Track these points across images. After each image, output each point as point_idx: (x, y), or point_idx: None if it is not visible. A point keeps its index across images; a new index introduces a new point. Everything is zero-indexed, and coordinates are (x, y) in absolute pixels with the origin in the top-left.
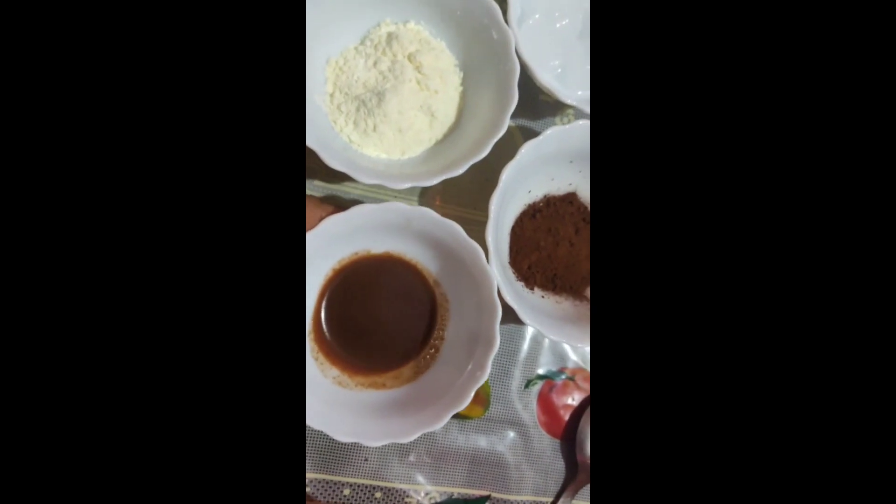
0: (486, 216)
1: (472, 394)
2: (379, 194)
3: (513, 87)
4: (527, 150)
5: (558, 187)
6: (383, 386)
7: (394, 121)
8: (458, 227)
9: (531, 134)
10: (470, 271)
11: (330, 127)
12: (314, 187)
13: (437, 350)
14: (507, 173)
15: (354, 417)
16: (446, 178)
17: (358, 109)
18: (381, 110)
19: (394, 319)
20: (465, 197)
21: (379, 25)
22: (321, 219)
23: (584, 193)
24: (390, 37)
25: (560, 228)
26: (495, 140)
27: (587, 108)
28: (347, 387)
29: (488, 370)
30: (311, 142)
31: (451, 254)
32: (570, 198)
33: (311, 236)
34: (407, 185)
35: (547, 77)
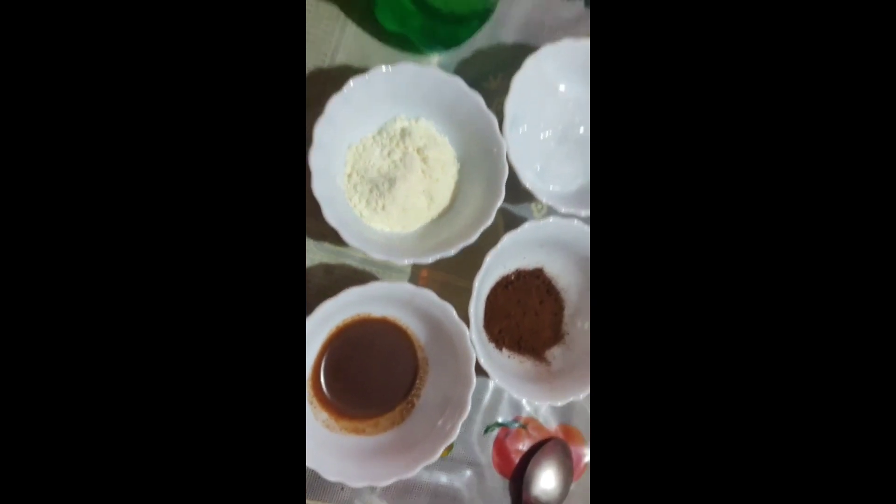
0: (467, 282)
1: (441, 450)
2: None
3: (501, 186)
4: (507, 238)
5: (528, 263)
6: (363, 432)
7: (400, 203)
8: (451, 309)
9: (510, 216)
10: (454, 345)
11: (346, 204)
12: (324, 248)
13: (413, 406)
14: (490, 258)
15: (340, 459)
16: (440, 257)
17: (371, 191)
18: (391, 194)
19: (380, 375)
20: (452, 265)
21: (395, 120)
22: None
23: (549, 269)
24: (404, 131)
25: (527, 300)
26: (483, 228)
27: (558, 205)
28: (333, 430)
29: (457, 432)
30: (331, 220)
31: (441, 327)
32: (538, 272)
33: (329, 304)
34: (409, 262)
35: (529, 175)
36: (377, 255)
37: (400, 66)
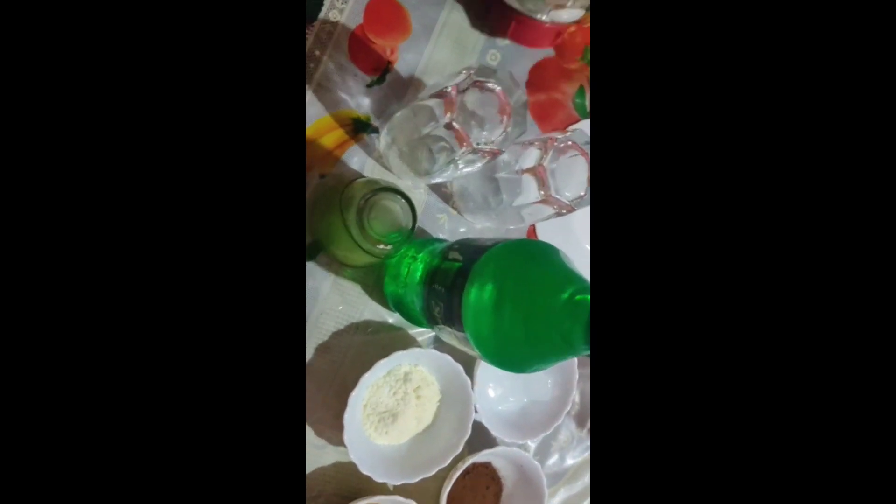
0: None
1: None
2: None
3: (468, 425)
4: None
5: (479, 459)
6: None
7: (398, 429)
8: None
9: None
10: None
11: (361, 430)
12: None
13: None
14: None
15: None
16: (422, 476)
17: (379, 421)
18: (394, 425)
19: None
20: None
21: (400, 366)
22: None
23: (494, 463)
24: (406, 375)
25: (478, 485)
26: (453, 456)
27: (502, 432)
28: None
29: None
30: (352, 455)
31: None
32: (486, 464)
33: None
34: (400, 482)
35: (485, 402)
36: (379, 478)
37: (411, 351)
